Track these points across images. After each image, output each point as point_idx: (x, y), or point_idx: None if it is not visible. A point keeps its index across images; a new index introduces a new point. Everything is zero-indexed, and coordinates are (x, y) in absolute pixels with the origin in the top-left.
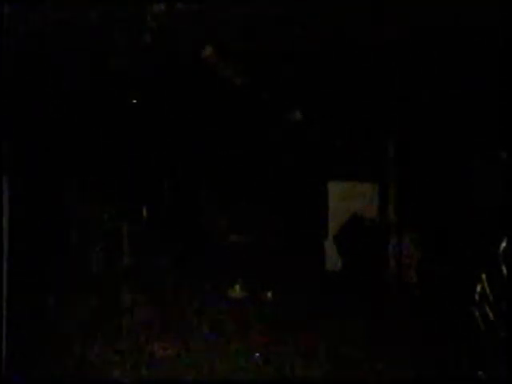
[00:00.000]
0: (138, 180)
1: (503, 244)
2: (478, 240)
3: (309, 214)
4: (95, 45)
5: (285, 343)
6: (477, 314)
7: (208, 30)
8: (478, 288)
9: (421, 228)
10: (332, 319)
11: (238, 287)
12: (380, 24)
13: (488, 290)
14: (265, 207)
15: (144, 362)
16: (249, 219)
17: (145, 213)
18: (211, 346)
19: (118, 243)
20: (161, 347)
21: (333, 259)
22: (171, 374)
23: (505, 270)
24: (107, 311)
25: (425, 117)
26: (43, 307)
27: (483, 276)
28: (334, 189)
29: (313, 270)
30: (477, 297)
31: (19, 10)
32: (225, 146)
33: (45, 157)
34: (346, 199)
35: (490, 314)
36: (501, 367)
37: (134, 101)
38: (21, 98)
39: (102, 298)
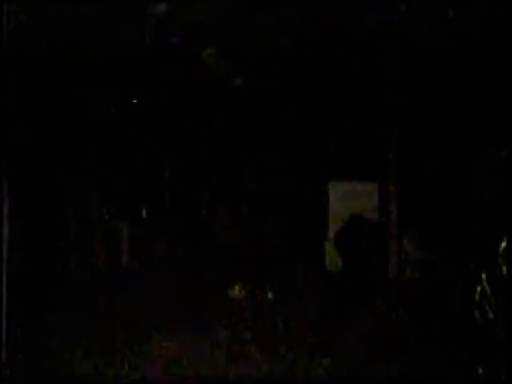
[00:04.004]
0: (138, 180)
1: (503, 244)
2: (478, 240)
3: (309, 214)
4: (95, 44)
5: (285, 343)
6: (477, 314)
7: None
8: (478, 288)
9: (421, 228)
10: (332, 319)
11: (237, 287)
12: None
13: (488, 290)
14: (265, 207)
15: (144, 362)
16: (249, 219)
17: (144, 213)
18: (211, 345)
19: (118, 243)
20: (161, 347)
21: (333, 259)
22: (171, 374)
23: (505, 270)
24: (107, 310)
25: (425, 117)
26: (43, 307)
27: (483, 276)
28: (334, 189)
29: (313, 269)
30: (477, 297)
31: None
32: (225, 146)
33: (45, 157)
34: (346, 199)
35: (490, 314)
36: (501, 367)
37: (134, 101)
38: (21, 97)
39: (102, 297)
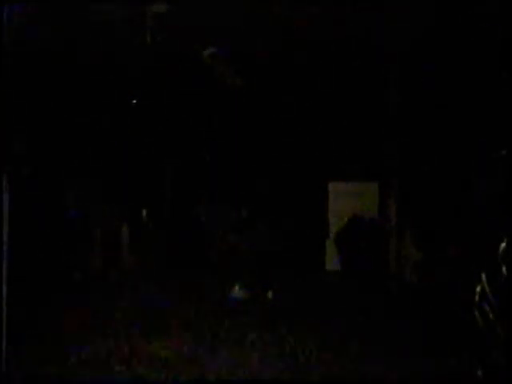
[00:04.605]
0: (139, 181)
1: (503, 244)
2: (477, 240)
3: (309, 214)
4: (96, 45)
5: (285, 343)
6: (477, 314)
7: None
8: (478, 288)
9: (421, 228)
10: (332, 319)
11: (237, 287)
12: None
13: (488, 290)
14: (265, 207)
15: (144, 361)
16: (249, 219)
17: (144, 214)
18: (211, 345)
19: (117, 243)
20: (161, 347)
21: (333, 259)
22: (171, 374)
23: (505, 270)
24: (107, 311)
25: (425, 117)
26: (43, 307)
27: (483, 276)
28: (334, 189)
29: (313, 269)
30: (477, 297)
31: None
32: (226, 147)
33: (46, 157)
34: (346, 199)
35: (490, 314)
36: (501, 367)
37: (134, 101)
38: (22, 98)
39: (102, 297)
